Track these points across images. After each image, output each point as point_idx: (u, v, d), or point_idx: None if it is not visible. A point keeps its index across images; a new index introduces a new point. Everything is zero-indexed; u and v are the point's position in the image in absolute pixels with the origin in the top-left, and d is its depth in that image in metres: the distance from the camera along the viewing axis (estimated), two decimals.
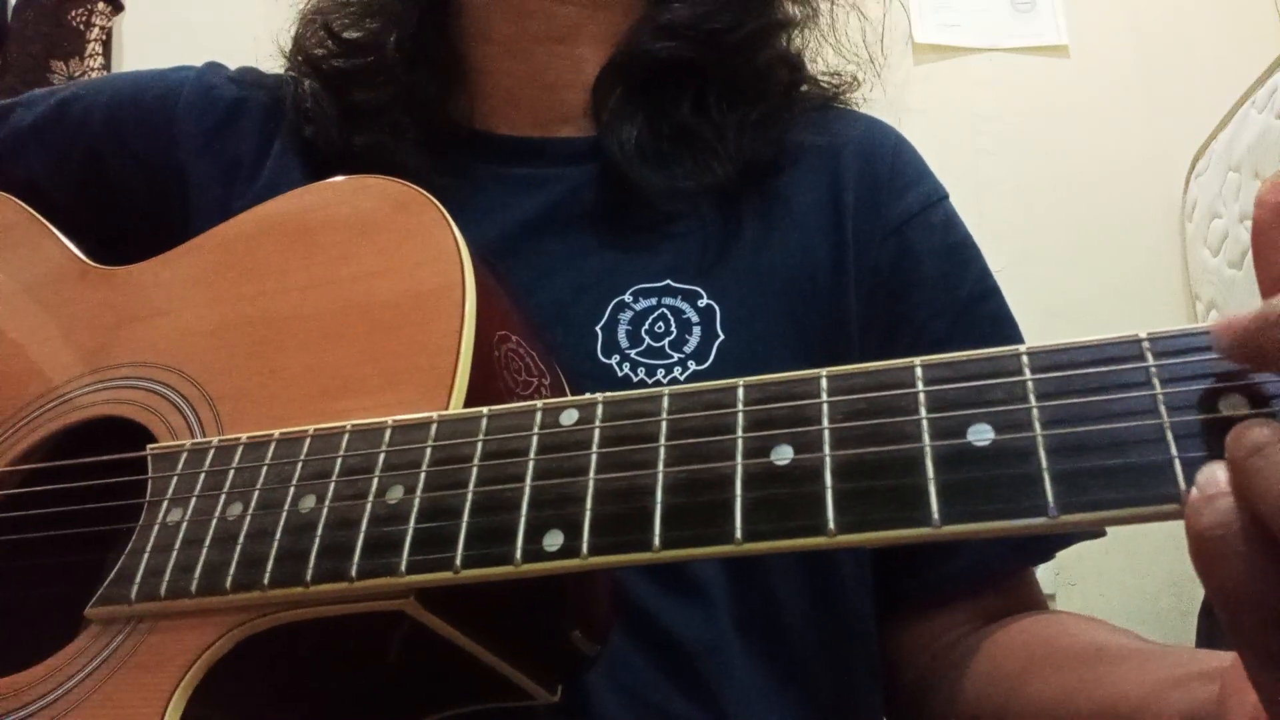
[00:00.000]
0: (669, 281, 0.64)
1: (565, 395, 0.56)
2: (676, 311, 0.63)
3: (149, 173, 0.73)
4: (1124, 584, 1.62)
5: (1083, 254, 1.79)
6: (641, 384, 0.61)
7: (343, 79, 0.72)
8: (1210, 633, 1.30)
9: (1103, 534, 0.54)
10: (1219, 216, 1.65)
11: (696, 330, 0.63)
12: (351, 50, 0.73)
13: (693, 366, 0.62)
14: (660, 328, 0.63)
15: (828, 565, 0.63)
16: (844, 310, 0.66)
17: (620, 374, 0.61)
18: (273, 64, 0.78)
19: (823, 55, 0.77)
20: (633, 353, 0.62)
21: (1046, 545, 0.66)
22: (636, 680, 0.57)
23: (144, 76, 0.78)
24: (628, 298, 0.64)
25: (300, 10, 0.77)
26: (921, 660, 0.66)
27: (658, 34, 0.70)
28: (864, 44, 0.77)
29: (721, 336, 0.63)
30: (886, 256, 0.68)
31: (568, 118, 0.72)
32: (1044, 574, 0.75)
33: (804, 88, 0.75)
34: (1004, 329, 0.70)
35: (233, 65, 0.80)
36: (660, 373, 0.61)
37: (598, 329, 0.63)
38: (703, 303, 0.64)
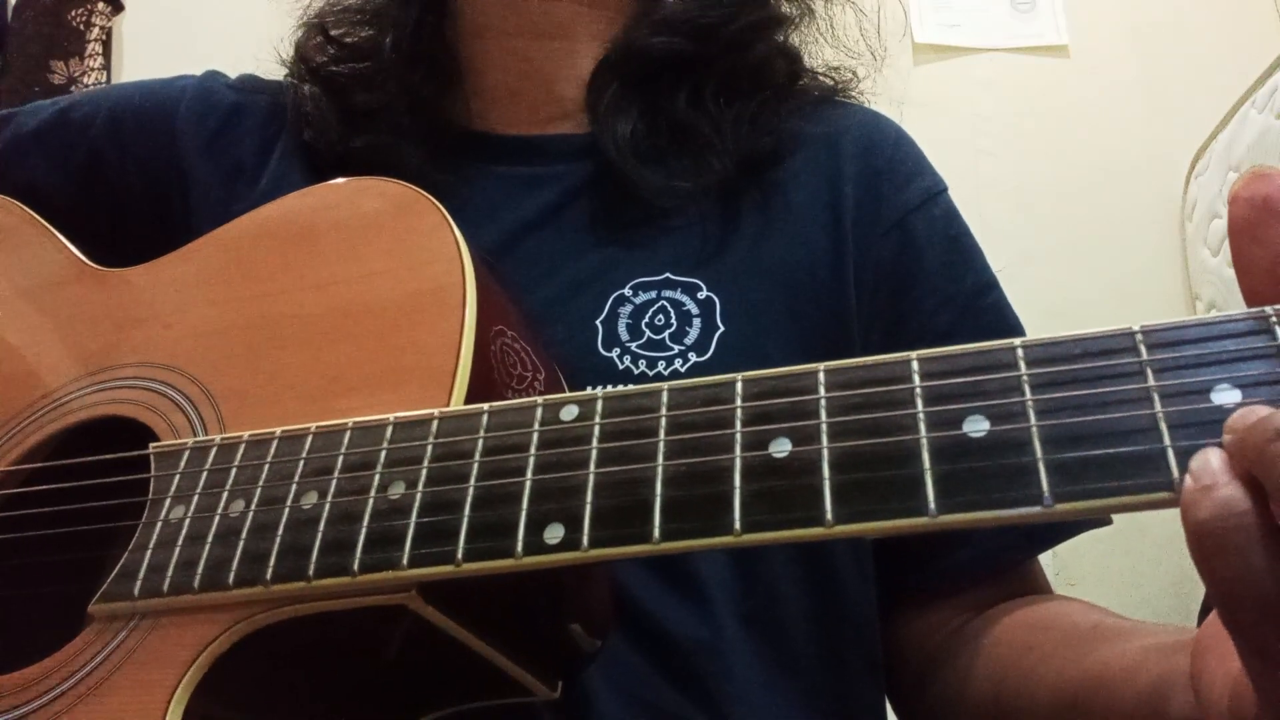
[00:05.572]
0: (668, 274, 0.64)
1: (561, 390, 0.56)
2: (676, 304, 0.63)
3: (150, 177, 0.74)
4: (1124, 584, 1.62)
5: (1083, 254, 1.79)
6: (643, 376, 0.61)
7: (342, 83, 0.73)
8: None
9: (1109, 522, 0.54)
10: (1219, 216, 1.65)
11: (697, 322, 0.63)
12: (350, 55, 0.74)
13: (693, 358, 0.62)
14: (660, 320, 0.63)
15: (827, 561, 0.63)
16: (843, 303, 0.66)
17: (621, 367, 0.61)
18: (272, 64, 0.79)
19: (821, 53, 0.77)
20: (633, 345, 0.62)
21: (1052, 533, 0.66)
22: (635, 678, 0.57)
23: (145, 84, 0.79)
24: (627, 291, 0.64)
25: (300, 17, 0.78)
26: (925, 650, 0.66)
27: (654, 29, 0.70)
28: (861, 35, 0.77)
29: (721, 328, 0.63)
30: (889, 250, 0.69)
31: (565, 114, 0.72)
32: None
33: (803, 80, 0.75)
34: (1008, 320, 0.70)
35: (232, 66, 0.81)
36: (661, 365, 0.61)
37: (598, 323, 0.63)
38: (702, 295, 0.64)
